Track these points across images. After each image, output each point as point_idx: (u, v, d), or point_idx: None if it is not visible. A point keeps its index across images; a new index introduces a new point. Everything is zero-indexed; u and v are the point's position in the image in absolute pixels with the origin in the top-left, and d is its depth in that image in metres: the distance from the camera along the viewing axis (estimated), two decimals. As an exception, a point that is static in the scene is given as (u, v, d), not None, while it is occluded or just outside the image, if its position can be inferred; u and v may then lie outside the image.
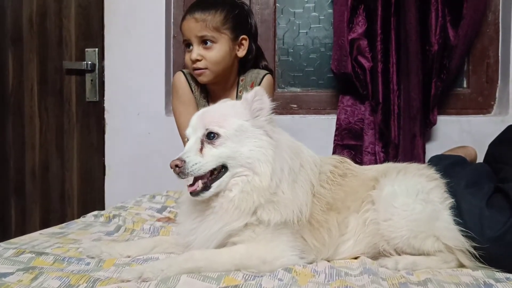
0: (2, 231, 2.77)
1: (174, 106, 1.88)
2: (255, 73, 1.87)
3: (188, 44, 1.78)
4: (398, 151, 2.21)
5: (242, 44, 1.81)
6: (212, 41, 1.74)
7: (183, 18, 1.79)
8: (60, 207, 2.73)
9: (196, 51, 1.74)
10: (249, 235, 1.19)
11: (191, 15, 1.75)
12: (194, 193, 1.20)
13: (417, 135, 2.22)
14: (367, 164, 2.12)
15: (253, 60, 1.89)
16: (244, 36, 1.80)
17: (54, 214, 2.74)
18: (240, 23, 1.80)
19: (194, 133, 1.23)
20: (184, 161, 1.16)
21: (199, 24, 1.72)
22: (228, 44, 1.76)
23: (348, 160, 1.43)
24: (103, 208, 2.49)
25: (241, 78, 1.89)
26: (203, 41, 1.74)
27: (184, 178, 1.19)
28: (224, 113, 1.25)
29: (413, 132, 2.23)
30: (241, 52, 1.81)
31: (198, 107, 1.81)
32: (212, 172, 1.20)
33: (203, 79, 1.78)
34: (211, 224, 1.21)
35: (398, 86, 2.21)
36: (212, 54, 1.74)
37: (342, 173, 1.36)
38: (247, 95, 1.26)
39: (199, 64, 1.74)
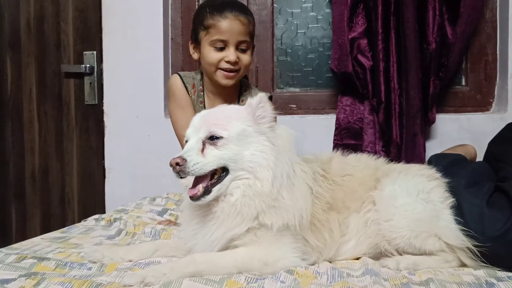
0: (3, 235, 2.77)
1: (172, 109, 1.85)
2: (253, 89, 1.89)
3: (221, 46, 1.69)
4: (400, 150, 2.20)
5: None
6: (247, 47, 1.73)
7: (221, 15, 1.67)
8: (61, 210, 2.73)
9: (234, 53, 1.69)
10: (251, 239, 1.19)
11: (234, 15, 1.67)
12: (194, 198, 1.18)
13: (417, 133, 2.22)
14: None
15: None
16: (253, 44, 1.80)
17: (54, 218, 2.74)
18: None
19: (196, 133, 1.22)
20: (185, 160, 1.14)
21: (244, 28, 1.69)
22: (251, 51, 1.77)
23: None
24: (103, 211, 2.49)
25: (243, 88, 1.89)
26: (238, 45, 1.70)
27: (183, 177, 1.17)
28: (228, 116, 1.24)
29: (413, 131, 2.22)
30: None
31: (195, 110, 1.79)
32: (212, 175, 1.19)
33: (229, 82, 1.74)
34: (212, 229, 1.20)
35: (399, 85, 2.21)
36: (246, 58, 1.73)
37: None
38: (252, 101, 1.25)
39: (236, 66, 1.71)
